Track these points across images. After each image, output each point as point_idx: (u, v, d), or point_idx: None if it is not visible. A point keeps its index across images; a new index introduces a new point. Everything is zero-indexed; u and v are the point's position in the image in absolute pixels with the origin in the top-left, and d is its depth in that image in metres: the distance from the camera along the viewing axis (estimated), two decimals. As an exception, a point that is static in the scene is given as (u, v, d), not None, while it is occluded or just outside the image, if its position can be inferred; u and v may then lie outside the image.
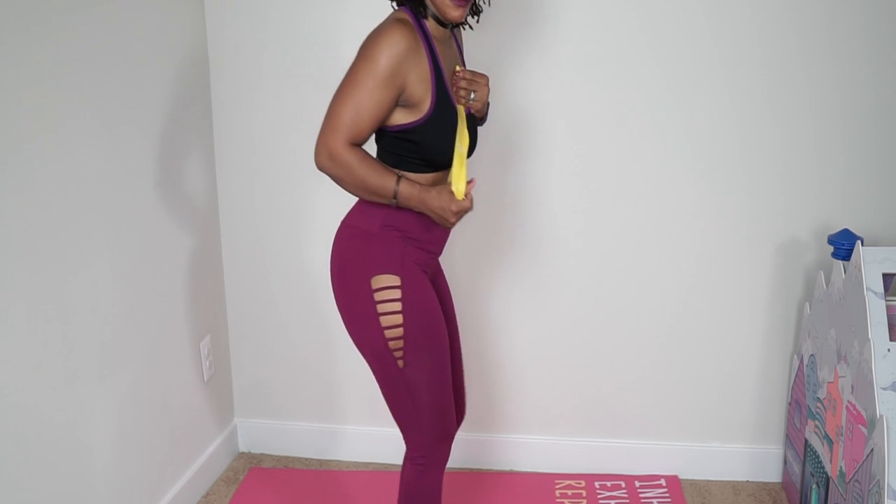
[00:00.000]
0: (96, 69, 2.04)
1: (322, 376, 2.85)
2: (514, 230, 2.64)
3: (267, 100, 2.63)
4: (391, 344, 1.84)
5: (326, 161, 1.75)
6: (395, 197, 1.79)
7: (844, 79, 2.42)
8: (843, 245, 2.28)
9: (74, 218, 1.98)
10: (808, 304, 2.49)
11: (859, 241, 2.17)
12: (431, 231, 1.90)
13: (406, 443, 1.96)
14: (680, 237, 2.60)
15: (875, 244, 2.45)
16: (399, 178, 1.79)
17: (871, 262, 2.11)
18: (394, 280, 1.83)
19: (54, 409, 1.93)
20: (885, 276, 2.11)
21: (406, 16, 1.80)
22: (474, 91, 1.89)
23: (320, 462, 2.89)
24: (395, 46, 1.72)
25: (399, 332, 1.84)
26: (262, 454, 2.94)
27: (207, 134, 2.66)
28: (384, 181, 1.78)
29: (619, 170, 2.57)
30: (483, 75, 1.92)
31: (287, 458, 2.91)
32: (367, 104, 1.72)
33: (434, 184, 1.86)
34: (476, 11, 1.95)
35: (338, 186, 1.81)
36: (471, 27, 2.03)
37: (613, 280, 2.66)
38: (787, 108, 2.46)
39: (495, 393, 2.78)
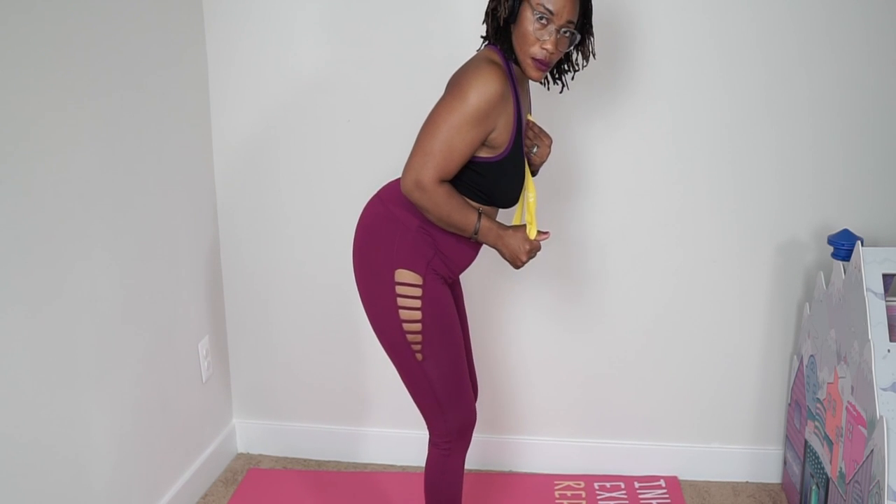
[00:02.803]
0: (95, 68, 2.03)
1: (321, 377, 2.85)
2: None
3: (266, 101, 2.63)
4: (409, 337, 1.89)
5: (415, 191, 1.80)
6: (476, 233, 1.85)
7: (844, 79, 2.42)
8: (843, 245, 2.28)
9: (73, 218, 1.98)
10: (807, 304, 2.48)
11: (859, 242, 2.17)
12: (458, 252, 1.94)
13: (429, 429, 2.01)
14: (679, 237, 2.60)
15: (875, 244, 2.45)
16: (480, 214, 1.85)
17: (871, 263, 2.11)
18: (416, 279, 1.88)
19: (52, 410, 1.92)
20: (885, 276, 2.10)
21: (498, 58, 1.83)
22: (537, 146, 1.95)
23: (319, 463, 2.88)
24: (489, 89, 1.75)
25: (417, 327, 1.88)
26: (260, 455, 2.93)
27: (206, 134, 2.65)
28: (467, 218, 1.84)
29: (617, 171, 2.56)
30: (549, 137, 1.99)
31: (285, 458, 2.90)
32: (458, 144, 1.77)
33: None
34: (561, 72, 1.95)
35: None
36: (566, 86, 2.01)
37: (613, 281, 2.65)
38: (787, 107, 2.46)
39: (494, 394, 2.78)
